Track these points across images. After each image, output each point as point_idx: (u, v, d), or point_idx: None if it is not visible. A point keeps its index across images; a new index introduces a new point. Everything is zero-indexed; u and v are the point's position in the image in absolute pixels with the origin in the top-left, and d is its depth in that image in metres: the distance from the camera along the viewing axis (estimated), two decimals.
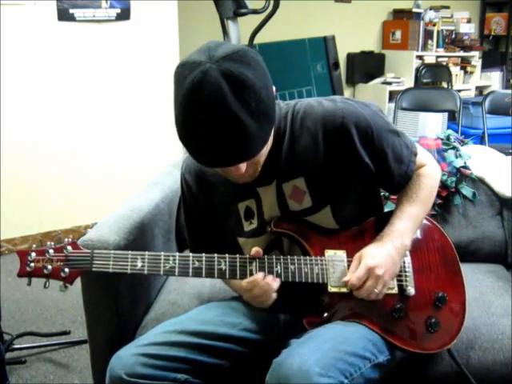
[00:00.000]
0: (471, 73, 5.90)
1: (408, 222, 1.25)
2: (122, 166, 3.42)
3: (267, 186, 1.24)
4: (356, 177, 1.24)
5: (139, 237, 1.51)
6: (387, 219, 1.28)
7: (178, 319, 1.31)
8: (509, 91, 3.60)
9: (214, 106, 0.98)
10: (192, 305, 1.52)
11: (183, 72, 1.02)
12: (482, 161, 1.92)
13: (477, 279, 1.64)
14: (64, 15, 3.07)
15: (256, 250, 1.18)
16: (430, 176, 1.32)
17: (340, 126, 1.18)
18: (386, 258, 1.19)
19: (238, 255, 1.18)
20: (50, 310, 2.49)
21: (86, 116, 3.28)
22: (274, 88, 1.09)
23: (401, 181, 1.29)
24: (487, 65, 6.05)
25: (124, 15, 3.24)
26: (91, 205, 3.32)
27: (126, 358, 1.17)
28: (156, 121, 3.47)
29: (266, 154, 1.13)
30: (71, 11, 3.08)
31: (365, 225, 1.29)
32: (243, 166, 1.08)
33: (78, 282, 1.34)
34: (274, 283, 1.17)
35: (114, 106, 3.35)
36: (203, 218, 1.35)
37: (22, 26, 2.98)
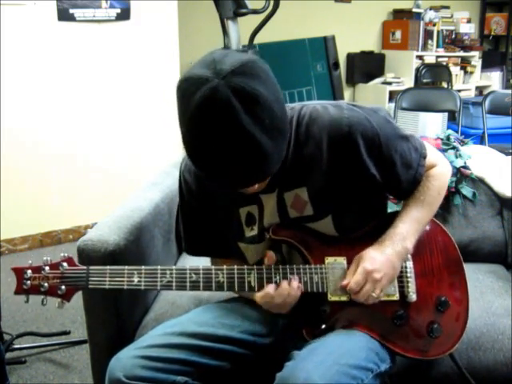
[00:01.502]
0: (471, 73, 5.90)
1: (411, 225, 1.23)
2: (122, 166, 3.42)
3: (270, 194, 1.22)
4: (360, 187, 1.21)
5: (139, 237, 1.51)
6: (389, 222, 1.26)
7: (176, 320, 1.30)
8: (509, 91, 3.60)
9: (226, 125, 0.93)
10: (191, 305, 1.52)
11: (189, 88, 0.95)
12: (481, 161, 1.92)
13: (477, 279, 1.64)
14: (64, 15, 3.07)
15: (271, 257, 1.17)
16: (439, 177, 1.29)
17: (346, 135, 1.14)
18: (385, 262, 1.18)
19: (235, 266, 1.16)
20: (49, 310, 2.49)
21: (86, 116, 3.28)
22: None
23: (409, 186, 1.26)
24: (487, 65, 6.05)
25: (124, 15, 3.24)
26: (91, 205, 3.32)
27: (125, 360, 1.17)
28: (156, 121, 3.48)
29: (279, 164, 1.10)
30: (71, 11, 3.08)
31: (367, 229, 1.27)
32: (262, 182, 1.08)
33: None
34: (293, 290, 1.15)
35: (113, 106, 3.35)
36: (201, 219, 1.33)
37: (22, 26, 2.98)
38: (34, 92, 3.10)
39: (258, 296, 1.16)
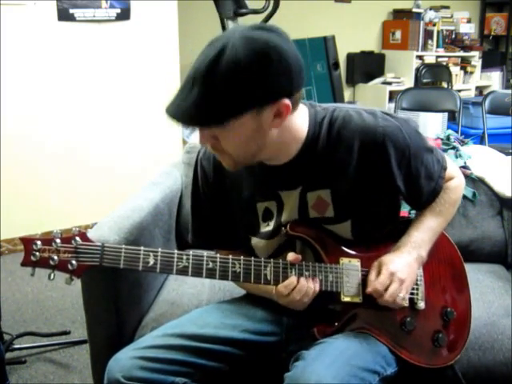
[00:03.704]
0: (471, 73, 5.90)
1: (426, 234, 1.25)
2: (122, 166, 3.42)
3: (291, 191, 1.21)
4: (383, 196, 1.22)
5: (139, 237, 1.51)
6: (403, 229, 1.28)
7: (177, 322, 1.30)
8: (509, 91, 3.60)
9: (203, 61, 1.00)
10: (191, 305, 1.52)
11: None
12: (481, 161, 1.92)
13: (477, 279, 1.64)
14: (64, 15, 3.06)
15: (294, 256, 1.16)
16: (456, 190, 1.32)
17: (380, 144, 1.15)
18: (405, 264, 1.19)
19: (252, 258, 1.16)
20: (49, 310, 2.49)
21: (87, 116, 3.28)
22: (283, 101, 1.04)
23: (429, 198, 1.28)
24: (487, 65, 6.05)
25: (124, 15, 3.24)
26: (91, 205, 3.32)
27: (124, 360, 1.16)
28: (156, 121, 3.47)
29: (234, 146, 1.09)
30: (71, 11, 3.08)
31: (380, 234, 1.27)
32: (202, 135, 1.08)
33: (77, 282, 1.34)
34: (312, 284, 1.15)
35: (114, 107, 3.35)
36: (212, 208, 1.32)
37: (22, 26, 2.98)
38: (34, 92, 3.10)
39: (282, 286, 1.14)
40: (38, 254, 1.08)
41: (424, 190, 1.25)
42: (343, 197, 1.20)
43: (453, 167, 1.34)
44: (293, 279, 1.14)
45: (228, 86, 0.99)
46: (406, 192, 1.23)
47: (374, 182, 1.19)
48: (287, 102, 1.05)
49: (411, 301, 1.24)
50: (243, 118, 1.03)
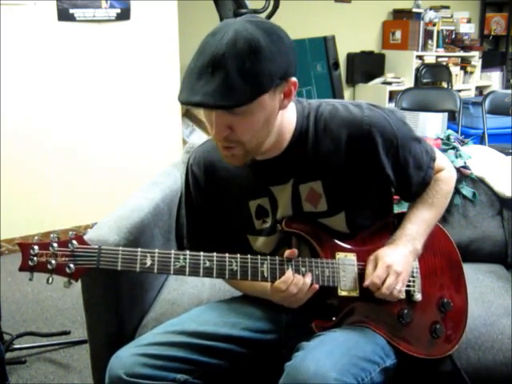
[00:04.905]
0: (471, 73, 5.90)
1: (420, 226, 1.26)
2: (122, 166, 3.42)
3: (282, 186, 1.22)
4: (374, 185, 1.23)
5: (139, 237, 1.51)
6: (397, 222, 1.28)
7: (178, 320, 1.30)
8: (509, 91, 3.60)
9: (218, 45, 0.99)
10: (192, 304, 1.52)
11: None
12: (481, 161, 1.92)
13: (477, 279, 1.64)
14: (64, 15, 3.07)
15: (290, 251, 1.17)
16: (447, 181, 1.32)
17: (366, 134, 1.16)
18: (401, 257, 1.20)
19: (249, 256, 1.16)
20: (49, 310, 2.49)
21: (87, 117, 3.28)
22: (292, 79, 1.06)
23: (418, 188, 1.29)
24: (487, 65, 6.05)
25: (124, 15, 3.24)
26: (91, 205, 3.32)
27: (125, 357, 1.17)
28: (156, 121, 3.47)
29: (250, 132, 1.08)
30: (71, 11, 3.08)
31: (375, 228, 1.28)
32: (218, 127, 1.05)
33: (77, 282, 1.34)
34: (307, 279, 1.15)
35: (114, 107, 3.35)
36: (206, 212, 1.33)
37: (22, 26, 2.98)
38: (35, 92, 3.10)
39: (280, 282, 1.14)
40: (35, 258, 1.09)
41: (413, 179, 1.26)
42: (335, 188, 1.20)
43: (443, 159, 1.35)
44: (289, 274, 1.14)
45: (252, 64, 0.99)
46: (395, 181, 1.24)
47: (364, 173, 1.20)
48: (295, 79, 1.08)
49: (408, 293, 1.25)
50: (264, 97, 1.03)
